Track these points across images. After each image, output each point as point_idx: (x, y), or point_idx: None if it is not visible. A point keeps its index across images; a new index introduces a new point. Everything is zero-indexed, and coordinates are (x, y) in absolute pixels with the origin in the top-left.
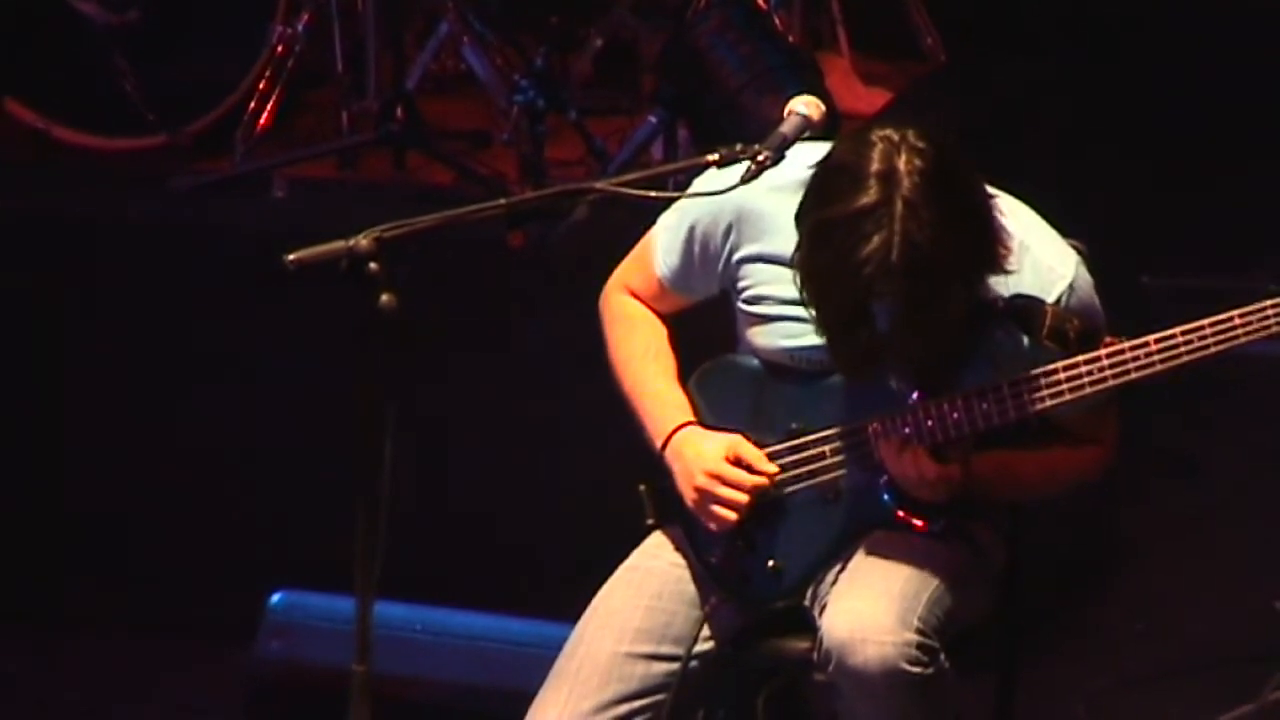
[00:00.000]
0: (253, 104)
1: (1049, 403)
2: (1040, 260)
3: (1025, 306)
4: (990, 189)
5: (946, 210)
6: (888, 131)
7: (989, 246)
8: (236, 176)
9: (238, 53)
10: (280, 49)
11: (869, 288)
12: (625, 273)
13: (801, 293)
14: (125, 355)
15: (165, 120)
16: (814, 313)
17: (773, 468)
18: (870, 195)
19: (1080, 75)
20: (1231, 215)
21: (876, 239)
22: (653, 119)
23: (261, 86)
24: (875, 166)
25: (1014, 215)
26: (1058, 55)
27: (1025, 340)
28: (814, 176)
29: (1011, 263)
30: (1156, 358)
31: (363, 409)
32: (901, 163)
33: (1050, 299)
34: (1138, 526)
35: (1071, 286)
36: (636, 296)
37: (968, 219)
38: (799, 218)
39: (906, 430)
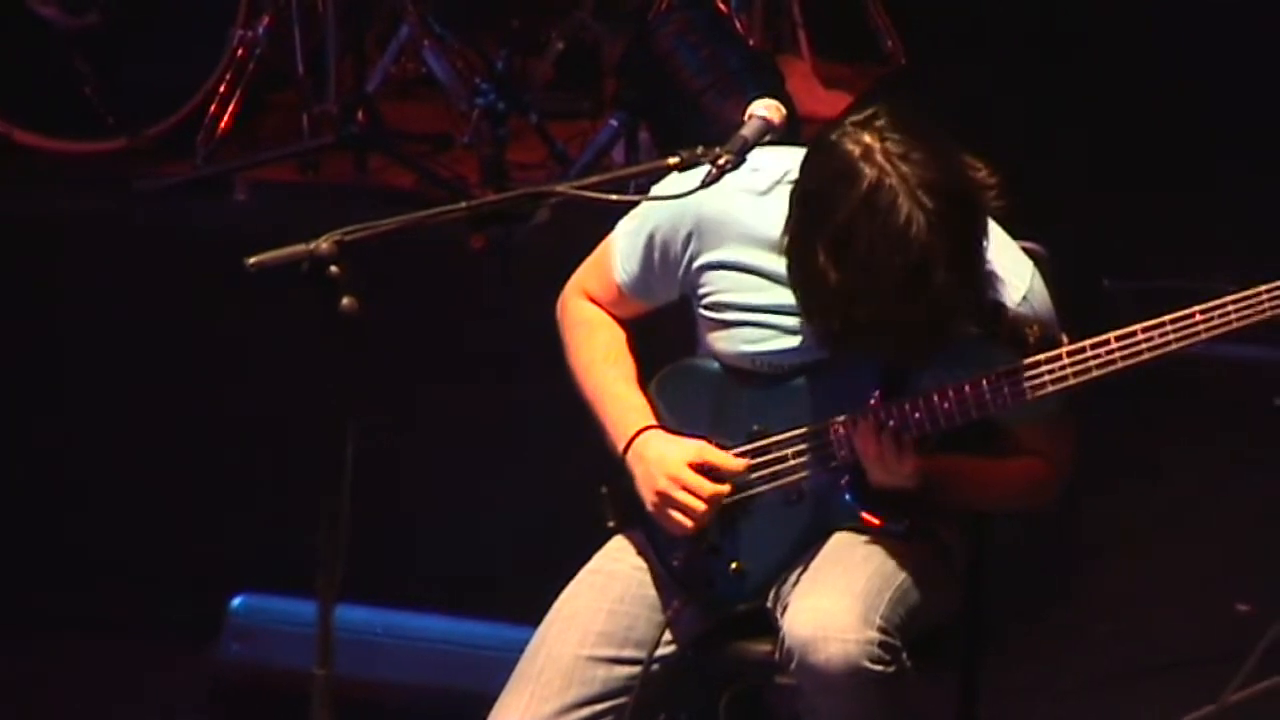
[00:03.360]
0: (213, 107)
1: (1011, 401)
2: (995, 270)
3: (986, 308)
4: None
5: (929, 140)
6: (834, 128)
7: (968, 161)
8: (197, 179)
9: (198, 56)
10: (240, 52)
11: (920, 248)
12: (583, 278)
13: (838, 308)
14: (88, 359)
15: (125, 123)
16: (862, 312)
17: (740, 463)
18: (867, 176)
19: (1041, 79)
20: (1193, 218)
21: (901, 202)
22: (614, 122)
23: (222, 89)
24: (854, 153)
25: None
26: (1019, 58)
27: (986, 341)
28: (801, 202)
29: None
30: (1118, 354)
31: (324, 412)
32: (868, 136)
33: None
34: (1100, 529)
35: (1025, 297)
36: (595, 301)
37: (947, 141)
38: (805, 247)
39: None
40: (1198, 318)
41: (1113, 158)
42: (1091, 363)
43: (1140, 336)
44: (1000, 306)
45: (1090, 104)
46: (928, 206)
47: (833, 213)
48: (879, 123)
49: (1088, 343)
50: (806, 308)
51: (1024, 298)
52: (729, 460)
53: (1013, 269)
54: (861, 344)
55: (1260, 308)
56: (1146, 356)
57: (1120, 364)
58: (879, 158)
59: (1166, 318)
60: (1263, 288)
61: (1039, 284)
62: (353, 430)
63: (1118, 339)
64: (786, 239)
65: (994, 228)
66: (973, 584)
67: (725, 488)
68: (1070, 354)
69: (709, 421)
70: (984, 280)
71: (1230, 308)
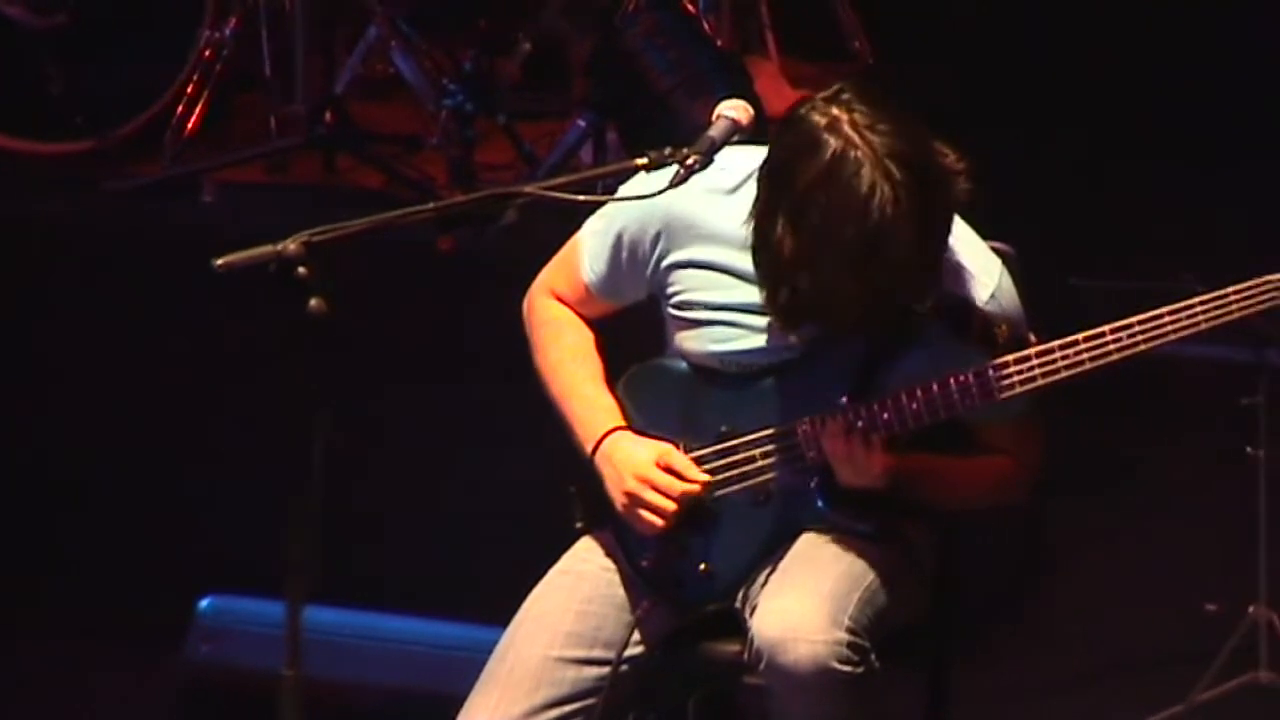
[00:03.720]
0: (181, 108)
1: (979, 401)
2: (963, 267)
3: (955, 306)
4: None
5: (897, 116)
6: (803, 105)
7: (937, 146)
8: (165, 180)
9: (166, 56)
10: (208, 53)
11: (881, 217)
12: (550, 277)
13: (789, 277)
14: (53, 357)
15: (93, 124)
16: (813, 281)
17: (703, 476)
18: (832, 145)
19: (1009, 78)
20: (1160, 217)
21: (866, 172)
22: (581, 122)
23: (190, 90)
24: (821, 124)
25: None
26: (987, 57)
27: (955, 340)
28: (767, 174)
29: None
30: (1085, 355)
31: (293, 413)
32: (836, 109)
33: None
34: (1069, 529)
35: (994, 295)
36: (562, 301)
37: (917, 121)
38: (766, 216)
39: None
40: (1166, 319)
41: (1082, 157)
42: (1060, 363)
43: (1109, 337)
44: (969, 305)
45: (1060, 103)
46: (895, 177)
47: (795, 181)
48: (846, 96)
49: (1056, 343)
50: (762, 279)
51: (992, 295)
52: (690, 468)
53: (981, 267)
54: (807, 318)
55: (1229, 309)
56: (1115, 357)
57: (1089, 364)
58: (846, 129)
59: (1134, 319)
60: (1231, 289)
61: (1007, 282)
62: (321, 431)
63: (1086, 339)
64: (753, 216)
65: (963, 225)
66: (941, 585)
67: (695, 487)
68: (1039, 354)
69: (677, 422)
70: (946, 270)
71: (1199, 309)
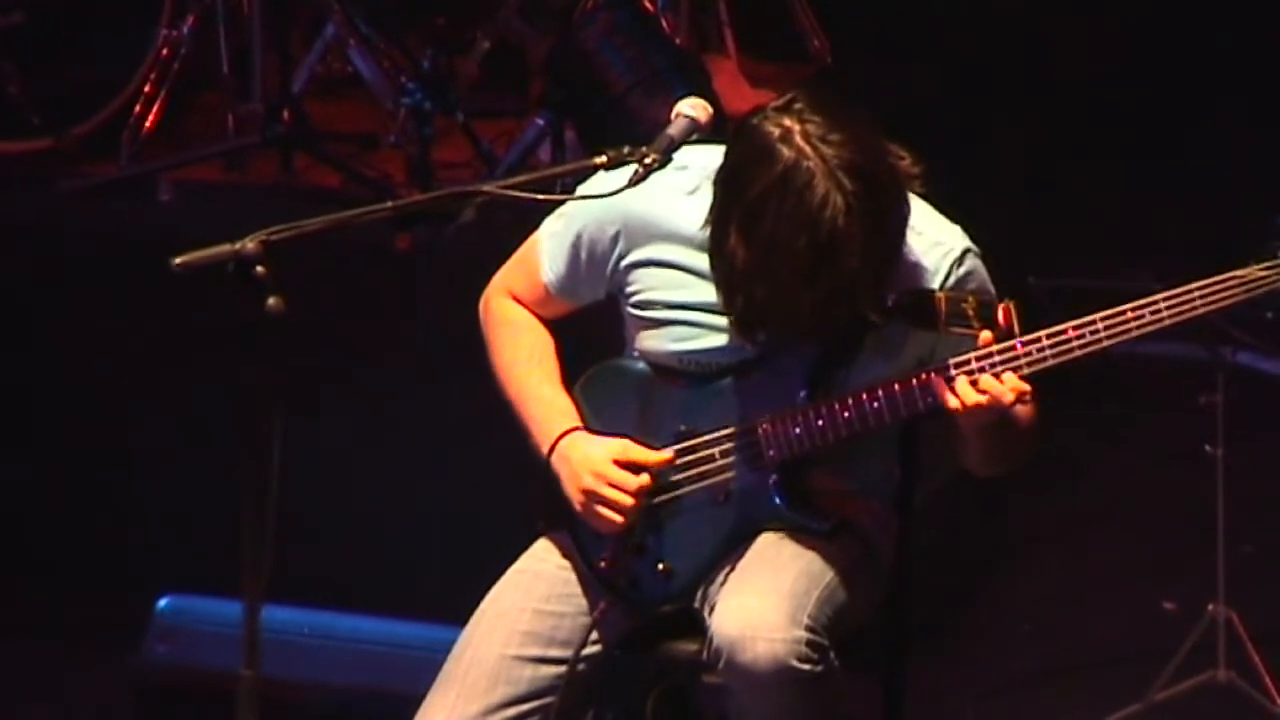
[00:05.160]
0: (138, 107)
1: (940, 399)
2: (925, 237)
3: (916, 302)
4: None
5: (849, 124)
6: (756, 115)
7: (891, 149)
8: (122, 179)
9: (123, 55)
10: (165, 51)
11: (833, 227)
12: (507, 278)
13: (743, 286)
14: (11, 358)
15: (50, 123)
16: (768, 291)
17: (666, 455)
18: (784, 157)
19: (966, 79)
20: (1117, 217)
21: (818, 183)
22: (540, 121)
23: (147, 89)
24: (773, 135)
25: None
26: (944, 59)
27: (923, 333)
28: (720, 183)
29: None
30: (1048, 352)
31: (251, 412)
32: (788, 119)
33: (941, 274)
34: (1027, 528)
35: (960, 259)
36: (520, 301)
37: (867, 122)
38: (720, 226)
39: (797, 430)
40: (1128, 315)
41: (1040, 157)
42: (1023, 360)
43: (1072, 334)
44: (929, 294)
45: (1017, 104)
46: (847, 188)
47: (747, 191)
48: (798, 106)
49: (1018, 340)
50: (717, 285)
51: (959, 259)
52: (653, 455)
53: (944, 236)
54: (763, 325)
55: (1192, 305)
56: (1078, 354)
57: (1052, 360)
58: (798, 139)
59: (1098, 315)
60: (1195, 285)
61: (969, 243)
62: (277, 430)
63: (1049, 336)
64: (708, 222)
65: (920, 204)
66: (899, 583)
67: (649, 481)
68: (1001, 351)
69: (635, 422)
70: (904, 265)
71: (1162, 305)
